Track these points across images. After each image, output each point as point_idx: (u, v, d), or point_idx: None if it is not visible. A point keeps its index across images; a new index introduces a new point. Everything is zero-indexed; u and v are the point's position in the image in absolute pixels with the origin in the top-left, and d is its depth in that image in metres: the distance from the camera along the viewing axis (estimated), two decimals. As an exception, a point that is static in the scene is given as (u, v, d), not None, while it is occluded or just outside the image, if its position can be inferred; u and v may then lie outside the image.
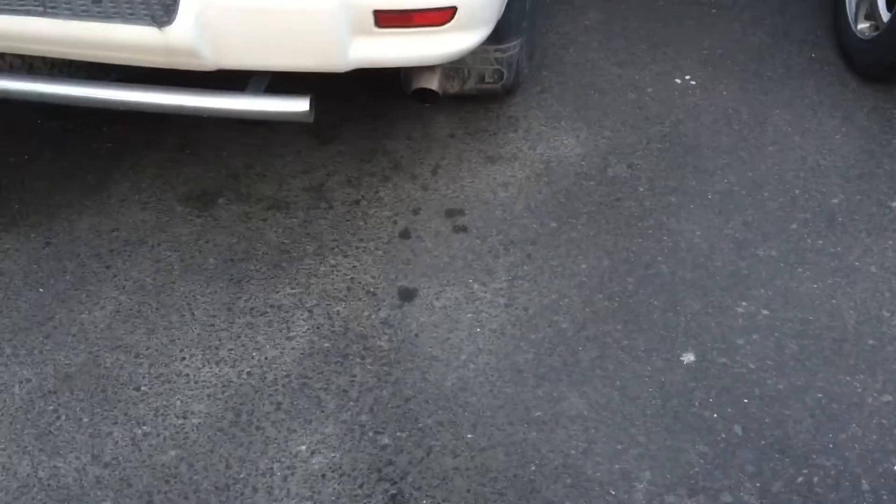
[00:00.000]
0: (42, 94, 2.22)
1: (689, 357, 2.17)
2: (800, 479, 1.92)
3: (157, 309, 2.31)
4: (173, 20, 1.96)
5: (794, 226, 2.51)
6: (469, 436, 2.02)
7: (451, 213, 2.58)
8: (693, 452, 1.97)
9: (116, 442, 2.01)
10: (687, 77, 3.08)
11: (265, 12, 1.99)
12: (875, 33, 2.91)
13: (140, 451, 1.99)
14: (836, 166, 2.70)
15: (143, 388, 2.13)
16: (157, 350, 2.21)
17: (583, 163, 2.73)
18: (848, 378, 2.11)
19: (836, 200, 2.59)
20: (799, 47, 3.20)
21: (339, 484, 1.93)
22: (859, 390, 2.09)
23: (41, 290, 2.36)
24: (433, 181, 2.68)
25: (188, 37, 1.98)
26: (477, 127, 2.88)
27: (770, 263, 2.40)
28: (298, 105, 2.14)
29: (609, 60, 3.16)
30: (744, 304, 2.30)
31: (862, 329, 2.22)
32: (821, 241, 2.46)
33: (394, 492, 1.92)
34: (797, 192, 2.62)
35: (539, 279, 2.38)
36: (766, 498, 1.88)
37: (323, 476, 1.95)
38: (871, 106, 2.91)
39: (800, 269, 2.38)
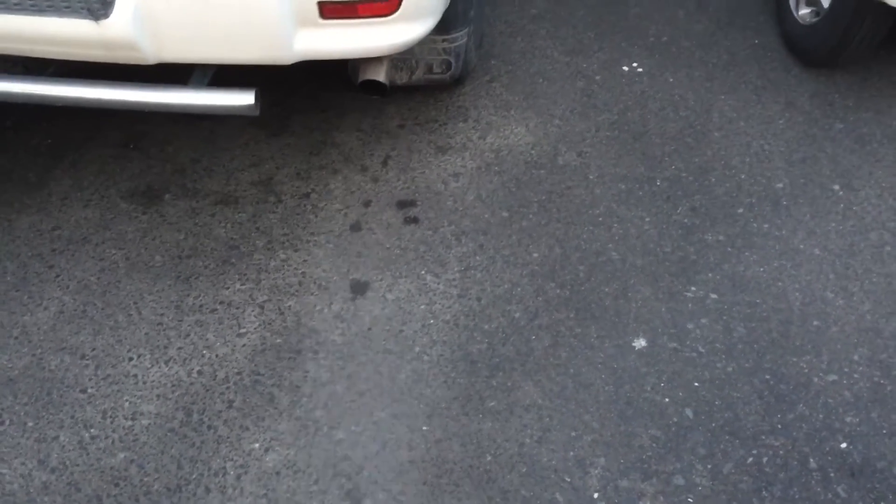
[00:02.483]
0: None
1: (640, 343, 2.20)
2: (750, 460, 1.95)
3: (102, 309, 2.26)
4: (110, 13, 1.91)
5: (740, 210, 2.55)
6: (424, 428, 2.01)
7: (402, 205, 2.56)
8: (646, 437, 1.99)
9: (63, 446, 1.97)
10: (634, 65, 3.10)
11: (207, 4, 1.95)
12: (816, 19, 2.96)
13: (88, 454, 1.95)
14: (779, 151, 2.75)
15: (89, 390, 2.08)
16: (103, 351, 2.16)
17: (533, 151, 2.74)
18: (794, 359, 2.16)
19: (780, 185, 2.63)
20: (742, 33, 3.24)
21: (293, 481, 1.91)
22: (806, 371, 2.13)
23: (-19, 292, 2.30)
24: (383, 173, 2.67)
25: (126, 30, 1.93)
26: (427, 117, 2.87)
27: (718, 248, 2.44)
28: (243, 98, 2.11)
29: (557, 49, 3.17)
30: (693, 288, 2.33)
31: (807, 311, 2.27)
32: (766, 225, 2.51)
33: (350, 487, 1.90)
34: (743, 176, 2.66)
35: (491, 269, 2.38)
36: (718, 479, 1.92)
37: (277, 473, 1.93)
38: (813, 91, 2.97)
39: (747, 253, 2.42)
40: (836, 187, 2.62)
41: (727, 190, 2.61)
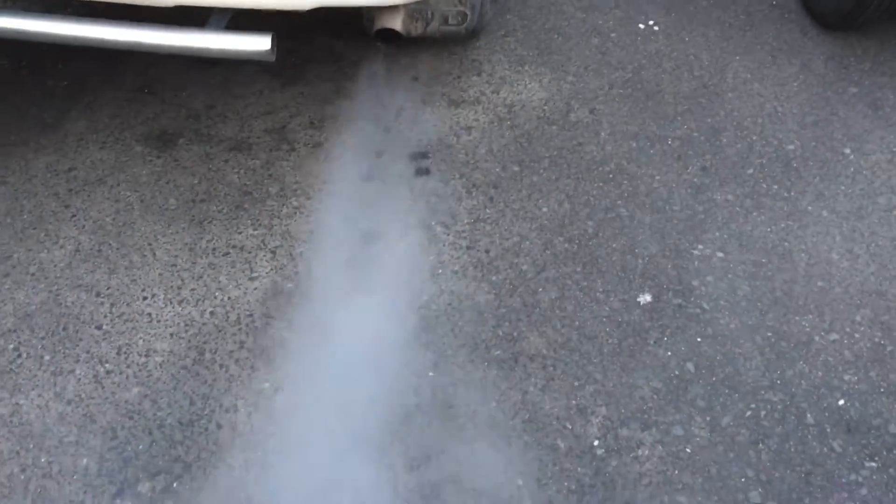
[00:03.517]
0: (-6, 29, 2.16)
1: (645, 298, 2.23)
2: (748, 414, 2.00)
3: (117, 249, 2.30)
4: (130, -48, 1.92)
5: (750, 171, 2.56)
6: (431, 374, 2.06)
7: (414, 156, 2.58)
8: (647, 388, 2.04)
9: (79, 379, 2.02)
10: (650, 23, 3.09)
11: (225, -54, 1.95)
12: (835, -19, 2.94)
13: (103, 388, 2.00)
14: (792, 113, 2.75)
15: (104, 326, 2.12)
16: (118, 289, 2.20)
17: (545, 107, 2.75)
18: (797, 318, 2.19)
19: (791, 146, 2.64)
20: (761, -5, 3.22)
21: (303, 421, 1.96)
22: (807, 329, 2.16)
23: (-2, 229, 2.34)
24: (396, 124, 2.68)
25: (146, -30, 1.94)
26: (440, 70, 2.87)
27: (726, 207, 2.46)
28: (260, 43, 2.11)
29: (573, 5, 3.15)
30: (700, 247, 2.35)
31: (812, 271, 2.29)
32: (776, 186, 2.52)
33: (357, 427, 1.95)
34: (754, 138, 2.67)
35: (501, 222, 2.40)
36: (716, 431, 1.96)
37: (287, 413, 1.97)
38: (829, 54, 2.96)
39: (754, 213, 2.44)
40: (847, 151, 2.63)
41: (738, 150, 2.62)
